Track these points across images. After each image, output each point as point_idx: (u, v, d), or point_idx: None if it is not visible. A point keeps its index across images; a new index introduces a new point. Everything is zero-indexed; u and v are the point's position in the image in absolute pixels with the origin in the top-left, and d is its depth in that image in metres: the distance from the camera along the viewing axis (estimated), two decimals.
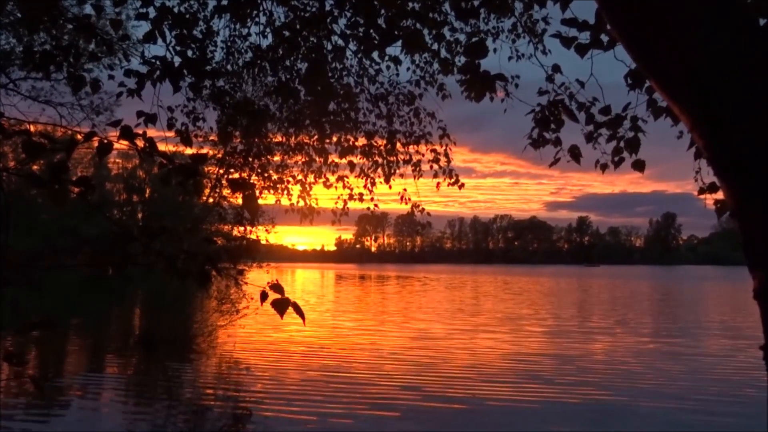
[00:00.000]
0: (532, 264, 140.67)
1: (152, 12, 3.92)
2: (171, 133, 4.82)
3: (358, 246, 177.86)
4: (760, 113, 1.32)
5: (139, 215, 49.08)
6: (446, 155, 5.85)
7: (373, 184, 5.99)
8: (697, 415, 8.66)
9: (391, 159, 5.87)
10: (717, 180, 1.43)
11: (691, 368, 12.19)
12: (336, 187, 6.11)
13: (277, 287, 2.12)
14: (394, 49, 5.20)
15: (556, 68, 3.86)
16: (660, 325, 20.53)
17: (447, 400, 9.24)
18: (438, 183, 5.89)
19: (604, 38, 2.96)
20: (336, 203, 6.20)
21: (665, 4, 1.39)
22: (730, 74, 1.34)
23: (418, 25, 4.30)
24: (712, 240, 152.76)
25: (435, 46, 5.01)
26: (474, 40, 3.63)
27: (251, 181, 5.90)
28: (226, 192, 6.55)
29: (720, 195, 2.92)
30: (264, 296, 2.14)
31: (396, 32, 4.03)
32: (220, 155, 6.18)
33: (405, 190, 6.13)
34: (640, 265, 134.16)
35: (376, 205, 6.25)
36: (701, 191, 3.21)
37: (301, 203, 6.22)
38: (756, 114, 1.32)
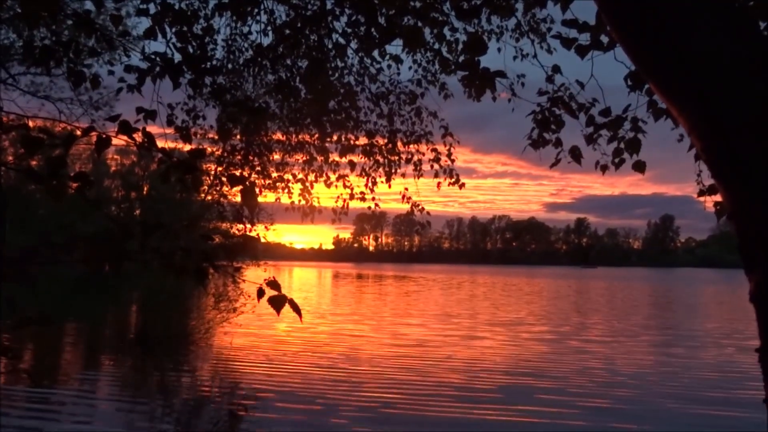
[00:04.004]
0: (529, 265, 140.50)
1: (153, 8, 3.92)
2: (170, 130, 4.81)
3: (356, 245, 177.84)
4: (758, 115, 1.32)
5: (137, 212, 48.99)
6: (449, 154, 5.84)
7: (374, 183, 5.98)
8: (696, 418, 8.67)
9: (393, 158, 5.86)
10: (715, 182, 1.43)
11: (690, 371, 12.20)
12: (336, 186, 6.11)
13: (273, 284, 2.11)
14: (395, 48, 5.21)
15: (556, 69, 3.86)
16: (659, 330, 20.51)
17: (439, 405, 9.25)
18: (439, 183, 5.88)
19: (604, 39, 2.97)
20: (336, 202, 6.20)
21: (664, 6, 1.39)
22: (729, 76, 1.34)
23: (418, 23, 4.30)
24: (709, 243, 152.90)
25: (436, 46, 5.01)
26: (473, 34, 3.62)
27: (251, 179, 5.89)
28: (224, 189, 6.54)
29: (720, 197, 2.92)
30: (261, 293, 2.13)
31: (396, 30, 4.03)
32: (219, 153, 6.16)
33: (406, 189, 6.12)
34: (638, 267, 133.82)
35: (377, 205, 6.24)
36: (701, 193, 3.22)
37: (303, 202, 6.21)
38: (754, 116, 1.32)
